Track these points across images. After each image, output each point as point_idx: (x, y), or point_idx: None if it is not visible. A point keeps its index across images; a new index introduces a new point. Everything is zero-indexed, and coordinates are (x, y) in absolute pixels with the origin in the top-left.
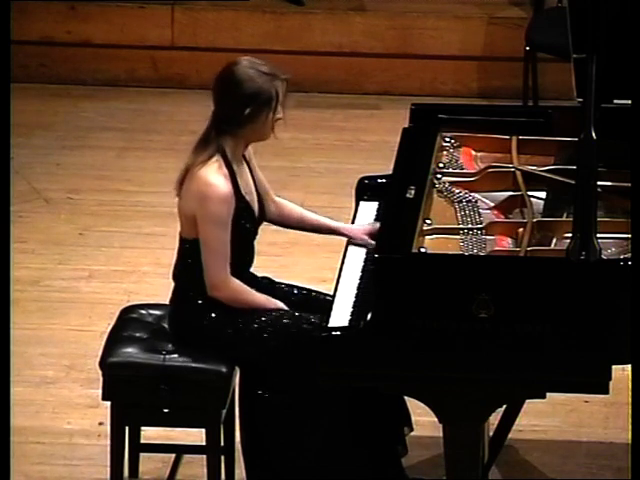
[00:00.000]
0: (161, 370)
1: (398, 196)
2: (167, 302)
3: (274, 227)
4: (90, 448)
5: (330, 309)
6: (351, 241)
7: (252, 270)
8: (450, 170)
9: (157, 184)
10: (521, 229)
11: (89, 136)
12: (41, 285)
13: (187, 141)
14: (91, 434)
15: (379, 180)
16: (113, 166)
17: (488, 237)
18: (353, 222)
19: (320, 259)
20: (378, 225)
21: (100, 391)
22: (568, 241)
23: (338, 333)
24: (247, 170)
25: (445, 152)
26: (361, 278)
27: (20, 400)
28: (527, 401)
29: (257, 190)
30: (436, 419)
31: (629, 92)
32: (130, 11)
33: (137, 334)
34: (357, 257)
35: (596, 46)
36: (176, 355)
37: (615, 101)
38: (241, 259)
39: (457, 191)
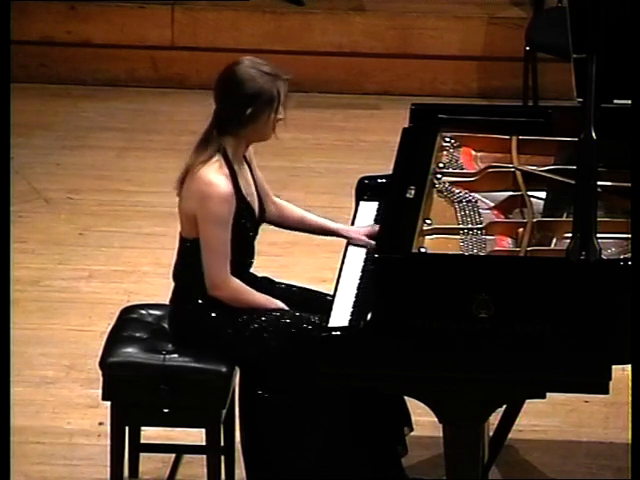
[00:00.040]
0: (161, 370)
1: (398, 196)
2: (167, 302)
3: (274, 227)
4: (90, 448)
5: (330, 309)
6: (351, 241)
7: (252, 270)
8: (450, 170)
9: (157, 184)
10: (521, 229)
11: (89, 136)
12: (41, 285)
13: (187, 141)
14: (91, 434)
15: (379, 180)
16: (113, 166)
17: (488, 237)
18: (353, 222)
19: (320, 259)
20: (377, 227)
21: (100, 391)
22: (568, 241)
23: (338, 333)
24: (248, 170)
25: (445, 152)
26: (361, 278)
27: (20, 400)
28: (527, 401)
29: (257, 190)
30: (436, 419)
31: (629, 92)
32: (130, 11)
33: (137, 334)
34: (357, 257)
35: (596, 46)
36: (176, 355)
37: (615, 101)
38: (241, 259)
39: (457, 191)
